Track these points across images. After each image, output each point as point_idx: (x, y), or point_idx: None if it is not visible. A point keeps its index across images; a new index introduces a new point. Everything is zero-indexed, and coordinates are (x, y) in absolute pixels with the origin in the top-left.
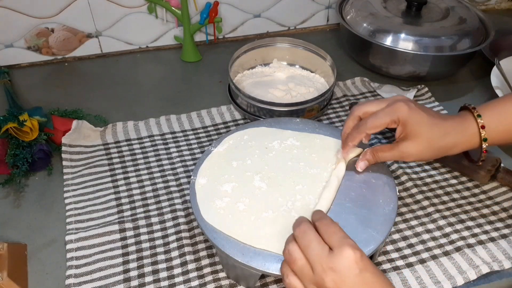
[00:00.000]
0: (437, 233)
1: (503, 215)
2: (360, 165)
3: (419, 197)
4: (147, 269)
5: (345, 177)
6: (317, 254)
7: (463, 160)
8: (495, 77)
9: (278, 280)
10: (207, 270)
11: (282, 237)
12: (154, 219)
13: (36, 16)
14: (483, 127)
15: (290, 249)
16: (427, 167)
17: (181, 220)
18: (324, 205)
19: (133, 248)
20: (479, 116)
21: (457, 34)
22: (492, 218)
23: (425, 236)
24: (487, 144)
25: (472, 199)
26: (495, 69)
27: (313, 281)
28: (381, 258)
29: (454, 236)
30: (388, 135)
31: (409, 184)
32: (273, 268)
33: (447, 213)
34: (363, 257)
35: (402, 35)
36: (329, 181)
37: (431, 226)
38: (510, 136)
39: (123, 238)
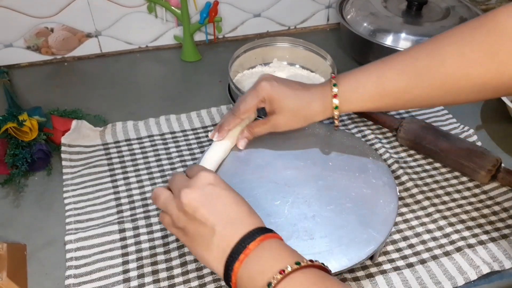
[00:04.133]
0: (437, 233)
1: (503, 215)
2: (241, 144)
3: (420, 197)
4: (147, 269)
5: (344, 177)
6: (177, 183)
7: (464, 160)
8: None
9: None
10: (207, 270)
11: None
12: (153, 219)
13: (35, 15)
14: (335, 96)
15: (155, 191)
16: (427, 167)
17: None
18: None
19: (132, 248)
20: (335, 85)
21: None
22: (493, 218)
23: (426, 237)
24: (337, 112)
25: (472, 199)
26: None
27: (175, 206)
28: (381, 259)
29: (455, 236)
30: (388, 135)
31: (410, 184)
32: None
33: (447, 213)
34: (217, 177)
35: (403, 35)
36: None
37: (431, 226)
38: (363, 104)
39: (123, 238)
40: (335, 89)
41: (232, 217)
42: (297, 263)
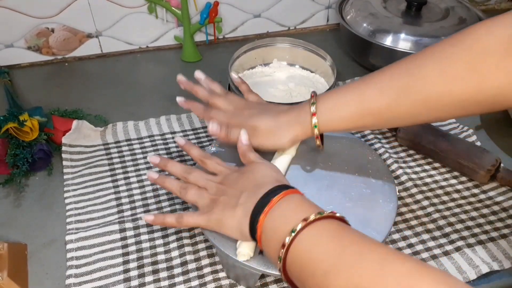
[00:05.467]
0: (437, 233)
1: (503, 215)
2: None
3: (419, 197)
4: (147, 269)
5: (343, 176)
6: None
7: (463, 160)
8: None
9: (278, 280)
10: (207, 270)
11: None
12: None
13: (36, 16)
14: (314, 114)
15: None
16: (427, 167)
17: None
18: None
19: (133, 248)
20: (313, 103)
21: None
22: (492, 218)
23: (425, 236)
24: (317, 131)
25: (472, 199)
26: None
27: (211, 179)
28: None
29: (454, 236)
30: (388, 135)
31: (409, 184)
32: (273, 268)
33: (447, 213)
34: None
35: (402, 35)
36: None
37: (431, 226)
38: (342, 124)
39: (123, 238)
40: (313, 108)
41: (259, 182)
42: (320, 213)
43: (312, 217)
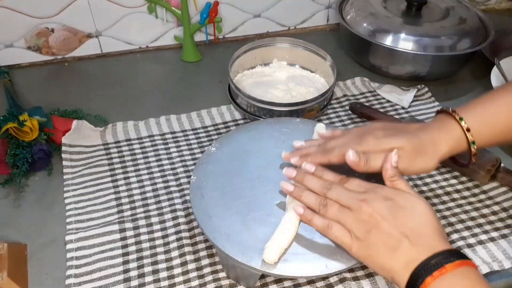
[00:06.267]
0: None
1: (503, 215)
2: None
3: None
4: (147, 269)
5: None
6: (347, 195)
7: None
8: (495, 77)
9: (278, 280)
10: (207, 270)
11: None
12: (154, 219)
13: (36, 16)
14: (468, 130)
15: (321, 200)
16: None
17: (181, 220)
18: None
19: (133, 248)
20: (461, 119)
21: (457, 34)
22: (492, 218)
23: None
24: (475, 147)
25: (472, 199)
26: (495, 69)
27: (352, 216)
28: None
29: (454, 236)
30: None
31: (409, 184)
32: (273, 268)
33: (447, 213)
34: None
35: (402, 35)
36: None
37: None
38: (495, 138)
39: (123, 238)
40: (464, 123)
41: (421, 230)
42: None
43: None
